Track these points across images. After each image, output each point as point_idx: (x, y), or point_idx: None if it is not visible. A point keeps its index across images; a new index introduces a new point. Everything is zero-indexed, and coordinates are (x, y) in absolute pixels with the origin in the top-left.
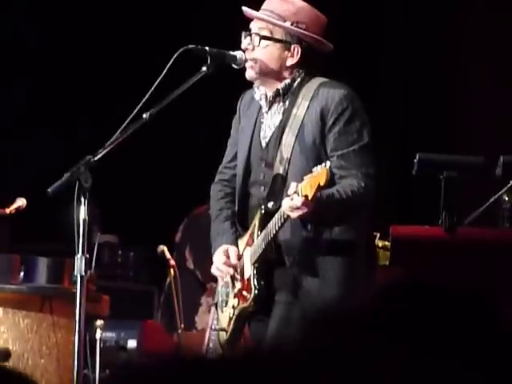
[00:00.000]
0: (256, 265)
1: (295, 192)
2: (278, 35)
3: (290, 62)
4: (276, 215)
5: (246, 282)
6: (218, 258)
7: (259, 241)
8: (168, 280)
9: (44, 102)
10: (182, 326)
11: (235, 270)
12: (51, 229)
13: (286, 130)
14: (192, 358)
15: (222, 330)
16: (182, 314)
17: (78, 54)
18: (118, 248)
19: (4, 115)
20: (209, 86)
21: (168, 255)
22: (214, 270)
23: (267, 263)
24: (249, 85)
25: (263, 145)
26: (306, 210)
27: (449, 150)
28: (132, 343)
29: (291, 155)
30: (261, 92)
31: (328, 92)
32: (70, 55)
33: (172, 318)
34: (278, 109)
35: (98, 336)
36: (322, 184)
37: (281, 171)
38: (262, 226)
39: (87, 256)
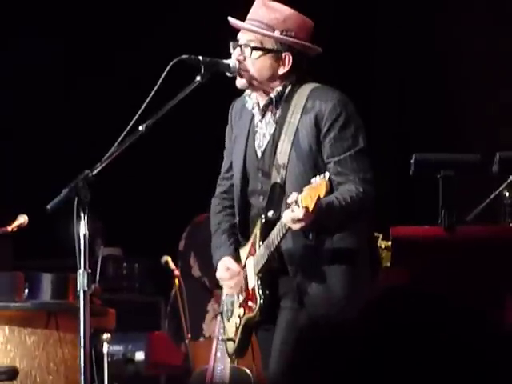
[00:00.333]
0: (260, 275)
1: (295, 202)
2: (269, 45)
3: (281, 70)
4: (277, 226)
5: (251, 292)
6: (220, 272)
7: (261, 251)
8: (173, 290)
9: (42, 117)
10: (189, 335)
11: (240, 274)
12: (54, 245)
13: (282, 137)
14: None
15: (230, 339)
16: (188, 323)
17: (70, 66)
18: (122, 260)
19: (3, 133)
20: (204, 93)
21: (172, 265)
22: (222, 285)
23: (271, 272)
24: (240, 92)
25: (259, 154)
26: (307, 221)
27: (448, 149)
28: (140, 355)
29: (288, 162)
30: (253, 100)
31: (321, 98)
32: (61, 67)
33: (179, 328)
34: (272, 117)
35: (105, 350)
36: (321, 196)
37: (278, 180)
38: (264, 235)
39: (89, 271)
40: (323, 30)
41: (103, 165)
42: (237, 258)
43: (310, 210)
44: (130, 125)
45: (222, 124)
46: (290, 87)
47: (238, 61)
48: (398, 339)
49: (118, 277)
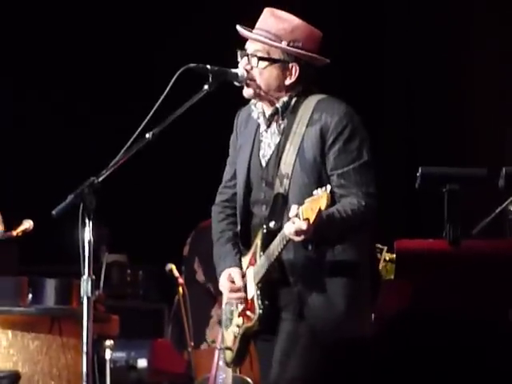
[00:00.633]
0: (259, 285)
1: (296, 215)
2: (276, 55)
3: (288, 80)
4: (278, 237)
5: (250, 302)
6: (224, 284)
7: (262, 261)
8: (176, 298)
9: (49, 122)
10: (192, 344)
11: (243, 291)
12: (59, 250)
13: (286, 148)
14: None
15: (228, 348)
16: (191, 332)
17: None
18: (126, 267)
19: (9, 137)
20: (210, 102)
21: (176, 273)
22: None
23: (271, 283)
24: (247, 100)
25: (263, 164)
26: (307, 233)
27: (455, 163)
28: (142, 362)
29: (292, 173)
30: (258, 110)
31: (327, 110)
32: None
33: (182, 336)
34: (277, 127)
35: (107, 356)
36: (322, 208)
37: (281, 190)
38: (265, 245)
39: (93, 277)
40: (331, 40)
41: (109, 171)
42: (241, 268)
43: (311, 221)
44: (137, 132)
45: (228, 132)
46: (296, 98)
47: (245, 70)
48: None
49: (122, 283)
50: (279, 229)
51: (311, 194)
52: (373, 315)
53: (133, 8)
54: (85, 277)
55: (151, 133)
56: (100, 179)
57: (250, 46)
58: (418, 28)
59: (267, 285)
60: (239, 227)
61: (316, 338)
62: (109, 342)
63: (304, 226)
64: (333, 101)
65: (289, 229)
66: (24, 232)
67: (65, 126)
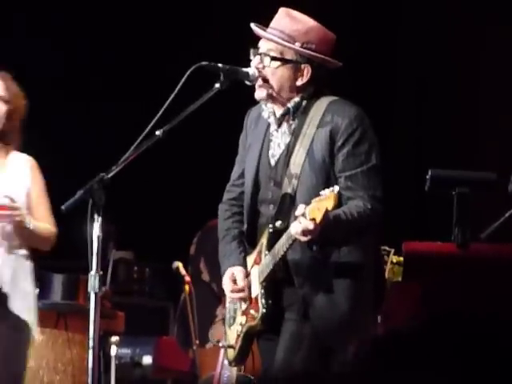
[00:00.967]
0: (264, 284)
1: (302, 214)
2: (289, 56)
3: (300, 81)
4: (284, 236)
5: (254, 301)
6: (226, 283)
7: (267, 260)
8: (183, 296)
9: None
10: (197, 342)
11: (244, 291)
12: (66, 246)
13: (296, 148)
14: None
15: (230, 347)
16: (196, 330)
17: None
18: (133, 264)
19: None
20: (220, 100)
21: (183, 271)
22: (225, 292)
23: (275, 282)
24: (256, 100)
25: (272, 163)
26: (313, 233)
27: (464, 166)
28: (147, 359)
29: (300, 174)
30: (269, 110)
31: (338, 112)
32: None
33: (187, 333)
34: (288, 128)
35: (113, 352)
36: (329, 209)
37: (289, 190)
38: (270, 244)
39: (101, 273)
40: (343, 41)
41: (119, 168)
42: (245, 266)
43: (318, 221)
44: (147, 129)
45: (238, 131)
46: (307, 99)
47: (257, 69)
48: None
49: (129, 280)
50: (285, 228)
51: (319, 195)
52: (379, 317)
53: (148, 3)
54: (92, 272)
55: (161, 130)
56: (110, 175)
57: (263, 45)
58: (430, 30)
59: (271, 284)
60: (245, 226)
61: (319, 338)
62: (114, 339)
63: (310, 225)
64: (344, 103)
65: (295, 228)
66: None
67: (76, 122)
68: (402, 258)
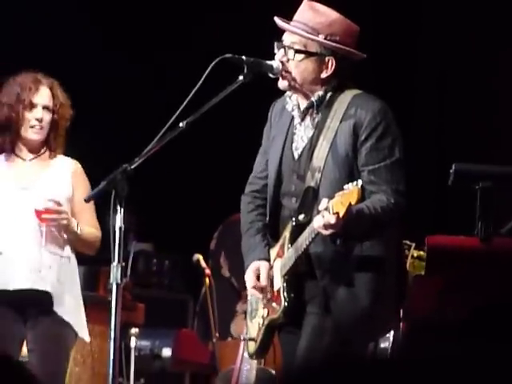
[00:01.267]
0: (286, 277)
1: (326, 208)
2: (313, 48)
3: (324, 74)
4: (307, 230)
5: (276, 294)
6: (249, 277)
7: (290, 254)
8: (203, 289)
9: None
10: (217, 335)
11: (265, 291)
12: None
13: (319, 142)
14: None
15: (251, 339)
16: (216, 323)
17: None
18: (152, 256)
19: None
20: (243, 93)
21: (203, 264)
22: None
23: (297, 276)
24: (281, 92)
25: (295, 156)
26: (337, 227)
27: (487, 160)
28: (167, 352)
29: (324, 167)
30: (293, 102)
31: (362, 106)
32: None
33: (207, 326)
34: (311, 121)
35: (132, 344)
36: (353, 203)
37: (312, 184)
38: (293, 238)
39: (123, 264)
40: (364, 35)
41: (142, 159)
42: (269, 260)
43: (341, 216)
44: (171, 121)
45: (261, 124)
46: (331, 92)
47: (281, 62)
48: None
49: (148, 273)
50: (308, 222)
51: (342, 189)
52: (401, 311)
53: None
54: (115, 263)
55: (185, 122)
56: (133, 166)
57: (286, 38)
58: (451, 23)
59: (294, 277)
60: (268, 218)
61: (340, 332)
62: (134, 330)
63: (333, 220)
64: (368, 97)
65: (318, 222)
66: None
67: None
68: (422, 252)
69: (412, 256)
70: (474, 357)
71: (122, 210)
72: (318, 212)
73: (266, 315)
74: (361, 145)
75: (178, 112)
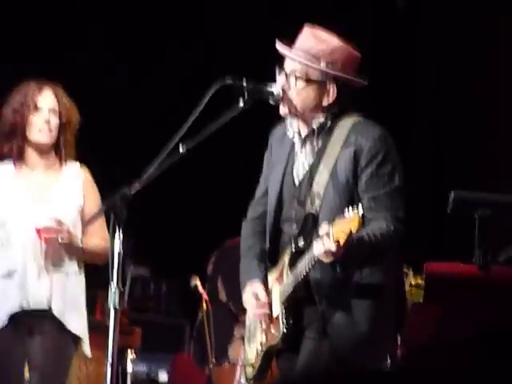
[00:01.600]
0: (285, 303)
1: (326, 234)
2: (314, 76)
3: (325, 101)
4: (306, 257)
5: (275, 320)
6: (248, 300)
7: (289, 280)
8: (200, 314)
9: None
10: (214, 360)
11: (267, 306)
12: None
13: (320, 169)
14: None
15: (249, 365)
16: (213, 348)
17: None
18: (150, 281)
19: None
20: (243, 117)
21: (201, 289)
22: (247, 309)
23: (296, 301)
24: (281, 118)
25: (296, 183)
26: (337, 255)
27: (486, 188)
28: (163, 376)
29: (324, 194)
30: (294, 129)
31: (362, 133)
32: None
33: (203, 351)
34: (312, 147)
35: (129, 369)
36: (354, 231)
37: (313, 210)
38: (292, 264)
39: (122, 289)
40: (364, 59)
41: (142, 184)
42: (267, 287)
43: (342, 244)
44: (171, 146)
45: (259, 149)
46: (332, 119)
47: (283, 89)
48: None
49: (145, 297)
50: (308, 248)
51: (342, 215)
52: (399, 338)
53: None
54: (113, 288)
55: (185, 147)
56: (133, 192)
57: (288, 65)
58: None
59: (292, 303)
60: (268, 244)
61: (337, 356)
62: (131, 355)
63: (334, 247)
64: (368, 123)
65: (318, 249)
66: None
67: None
68: (420, 281)
69: (410, 284)
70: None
71: (121, 234)
72: (318, 236)
73: (264, 341)
74: (361, 171)
75: (178, 137)
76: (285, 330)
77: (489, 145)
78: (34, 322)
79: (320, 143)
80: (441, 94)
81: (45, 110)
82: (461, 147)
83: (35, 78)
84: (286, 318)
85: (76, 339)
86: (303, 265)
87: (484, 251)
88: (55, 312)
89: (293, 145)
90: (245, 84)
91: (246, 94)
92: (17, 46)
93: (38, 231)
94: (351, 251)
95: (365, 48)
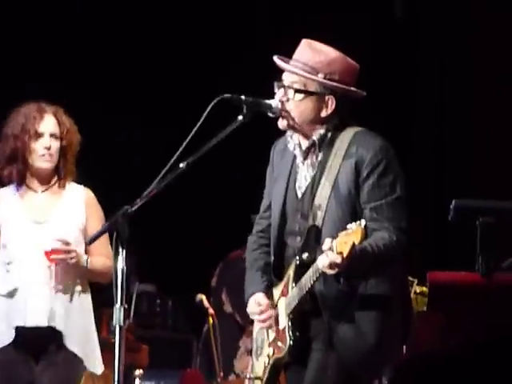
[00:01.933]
0: (291, 316)
1: (330, 248)
2: (312, 88)
3: (324, 113)
4: (310, 269)
5: (281, 333)
6: (251, 308)
7: (294, 293)
8: (206, 327)
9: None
10: (221, 374)
11: (269, 312)
12: None
13: (322, 181)
14: None
15: (257, 378)
16: (220, 362)
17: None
18: (156, 297)
19: None
20: (242, 132)
21: (207, 304)
22: (253, 319)
23: (302, 314)
24: (281, 132)
25: (299, 195)
26: (341, 267)
27: (487, 195)
28: None
29: (327, 206)
30: (294, 142)
31: (363, 144)
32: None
33: (211, 365)
34: (313, 160)
35: None
36: (357, 243)
37: (316, 222)
38: (297, 277)
39: (126, 306)
40: (363, 71)
41: (143, 201)
42: (269, 296)
43: (345, 256)
44: (171, 162)
45: (260, 163)
46: (332, 131)
47: (281, 102)
48: None
49: (152, 314)
50: (312, 261)
51: (345, 227)
52: (404, 347)
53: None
54: (117, 305)
55: (185, 162)
56: (134, 208)
57: (286, 78)
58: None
59: (299, 316)
60: (272, 258)
61: (345, 367)
62: (138, 372)
63: (338, 259)
64: (369, 134)
65: (322, 262)
66: None
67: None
68: (425, 288)
69: (415, 292)
70: None
71: (124, 251)
72: (322, 252)
73: (271, 354)
74: (362, 182)
75: (178, 153)
76: (291, 343)
77: (490, 153)
78: (38, 342)
79: (321, 155)
80: (442, 103)
81: (46, 136)
82: (462, 156)
83: (35, 100)
84: (292, 331)
85: (84, 356)
86: (308, 277)
87: (486, 258)
88: (59, 332)
89: (294, 157)
90: (243, 98)
91: (244, 107)
92: (17, 64)
93: (47, 253)
94: (355, 263)
95: (364, 58)
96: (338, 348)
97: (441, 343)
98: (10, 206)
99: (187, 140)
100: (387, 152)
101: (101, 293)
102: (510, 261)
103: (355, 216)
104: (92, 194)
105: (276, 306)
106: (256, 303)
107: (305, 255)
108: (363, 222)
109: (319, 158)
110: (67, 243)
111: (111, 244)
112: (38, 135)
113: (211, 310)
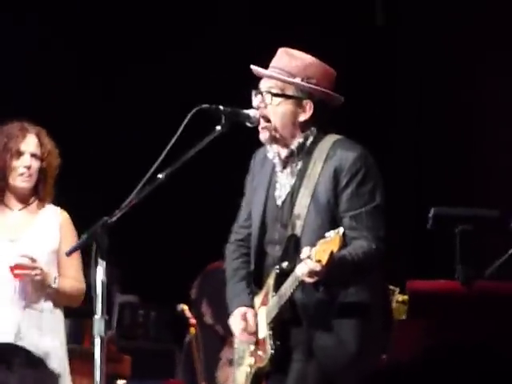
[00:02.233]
0: (271, 325)
1: (308, 256)
2: (290, 91)
3: (302, 117)
4: (290, 278)
5: (262, 342)
6: (236, 322)
7: (274, 302)
8: (187, 338)
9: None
10: None
11: (254, 334)
12: None
13: (301, 190)
14: None
15: None
16: (203, 372)
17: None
18: (138, 308)
19: None
20: (221, 143)
21: (188, 314)
22: (234, 332)
23: (283, 322)
24: (260, 142)
25: (278, 204)
26: (320, 275)
27: (466, 203)
28: None
29: (306, 215)
30: (274, 150)
31: (342, 152)
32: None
33: (193, 376)
34: (293, 168)
35: None
36: (335, 251)
37: (295, 231)
38: (277, 285)
39: (106, 317)
40: (341, 82)
41: (122, 212)
42: (253, 308)
43: (324, 263)
44: (150, 173)
45: (238, 173)
46: (311, 139)
47: (259, 108)
48: None
49: (134, 324)
50: (292, 269)
51: (324, 236)
52: (384, 355)
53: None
54: (97, 316)
55: (164, 173)
56: (113, 219)
57: (263, 84)
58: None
59: (279, 325)
60: (252, 266)
61: (325, 376)
62: (121, 382)
63: (317, 267)
64: (348, 142)
65: (301, 270)
66: None
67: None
68: (407, 297)
69: (397, 301)
70: None
71: (104, 262)
72: (301, 260)
73: (252, 363)
74: (341, 191)
75: (156, 164)
76: (272, 352)
77: (469, 161)
78: (4, 359)
79: (300, 164)
80: (421, 111)
81: (26, 155)
82: (442, 164)
83: (19, 119)
84: (273, 340)
85: (57, 373)
86: (287, 286)
87: (465, 266)
88: (25, 350)
89: (274, 166)
90: (221, 108)
91: (223, 117)
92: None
93: (11, 268)
94: (334, 271)
95: (344, 66)
96: (318, 356)
97: (421, 351)
98: None
99: (165, 151)
100: (366, 160)
101: (82, 303)
102: (493, 269)
103: (334, 225)
104: (67, 216)
105: (256, 315)
106: (242, 318)
107: (284, 264)
108: (341, 229)
109: (298, 167)
110: (33, 260)
111: (90, 255)
112: (19, 153)
113: (193, 320)
